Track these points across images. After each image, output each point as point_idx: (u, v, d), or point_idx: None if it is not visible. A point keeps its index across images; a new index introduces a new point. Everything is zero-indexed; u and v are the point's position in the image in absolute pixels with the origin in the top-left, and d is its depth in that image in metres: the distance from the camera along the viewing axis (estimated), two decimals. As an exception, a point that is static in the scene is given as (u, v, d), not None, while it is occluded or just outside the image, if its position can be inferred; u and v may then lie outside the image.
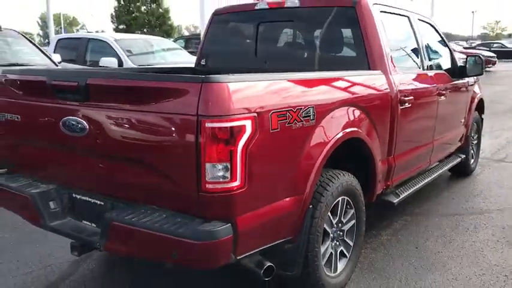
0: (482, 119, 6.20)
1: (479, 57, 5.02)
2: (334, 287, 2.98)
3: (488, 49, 33.13)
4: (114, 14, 40.24)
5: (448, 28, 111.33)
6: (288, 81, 2.59)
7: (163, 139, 2.24)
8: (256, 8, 4.04)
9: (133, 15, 39.12)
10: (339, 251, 3.07)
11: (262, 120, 2.25)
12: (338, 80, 3.03)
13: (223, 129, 2.10)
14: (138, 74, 2.85)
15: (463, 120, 5.29)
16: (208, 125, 2.09)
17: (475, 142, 6.04)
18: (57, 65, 6.59)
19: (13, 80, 2.90)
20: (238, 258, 2.27)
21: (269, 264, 2.49)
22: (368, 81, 3.31)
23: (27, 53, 6.54)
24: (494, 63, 27.13)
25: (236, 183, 2.16)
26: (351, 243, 3.18)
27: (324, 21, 3.76)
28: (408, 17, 4.26)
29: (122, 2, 39.30)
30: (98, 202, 2.61)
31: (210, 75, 2.13)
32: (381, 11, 3.70)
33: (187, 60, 8.52)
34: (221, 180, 2.14)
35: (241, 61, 4.15)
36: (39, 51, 6.74)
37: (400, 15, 4.13)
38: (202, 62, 4.41)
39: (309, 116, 2.57)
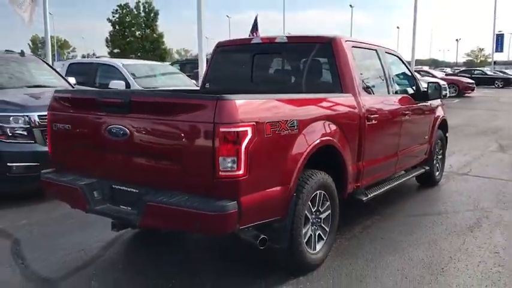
0: (446, 137, 7.13)
1: (438, 84, 5.99)
2: (313, 261, 3.82)
3: (469, 76, 34.55)
4: (109, 38, 41.47)
5: (435, 55, 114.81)
6: (278, 100, 3.48)
7: (188, 140, 3.09)
8: (252, 42, 4.95)
9: (128, 39, 40.39)
10: (317, 234, 3.91)
11: (259, 127, 3.12)
12: (316, 100, 3.92)
13: (232, 133, 2.97)
14: (170, 93, 3.70)
15: (426, 137, 6.21)
16: (221, 129, 2.95)
17: (440, 157, 6.95)
18: (73, 87, 7.44)
19: (66, 98, 3.76)
20: (241, 228, 3.12)
21: (263, 236, 3.34)
22: (340, 102, 4.21)
23: (46, 76, 7.39)
24: (472, 89, 28.48)
25: (240, 172, 3.01)
26: (327, 229, 4.01)
27: (306, 54, 4.68)
28: (376, 50, 5.21)
29: (117, 27, 40.61)
30: (133, 190, 3.44)
31: (223, 95, 3.00)
32: (352, 46, 4.62)
33: (186, 83, 9.43)
34: (229, 169, 2.99)
35: (240, 85, 5.03)
36: (57, 74, 7.60)
37: (369, 49, 5.07)
38: (207, 86, 5.29)
39: (294, 126, 3.45)
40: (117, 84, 8.21)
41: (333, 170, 4.05)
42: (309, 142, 3.61)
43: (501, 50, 50.63)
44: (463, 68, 51.61)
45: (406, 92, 5.74)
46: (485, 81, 37.63)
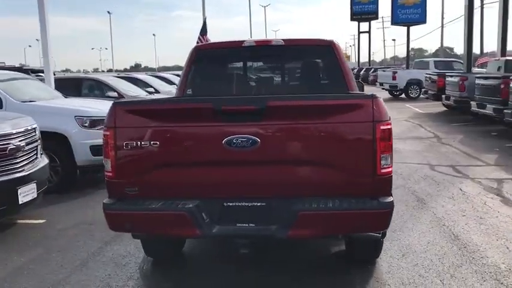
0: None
1: (360, 81, 6.81)
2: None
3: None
4: None
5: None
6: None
7: (345, 141, 3.03)
8: (244, 45, 4.81)
9: None
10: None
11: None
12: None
13: (387, 130, 3.05)
14: (316, 95, 3.43)
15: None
16: (381, 127, 3.01)
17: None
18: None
19: (147, 110, 3.15)
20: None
21: None
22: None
23: None
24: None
25: (391, 168, 3.12)
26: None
27: (305, 56, 4.84)
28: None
29: None
30: (258, 204, 3.13)
31: (375, 94, 3.06)
32: (339, 49, 4.98)
33: (53, 92, 8.26)
34: (386, 166, 3.07)
35: (230, 89, 4.85)
36: None
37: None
38: (189, 92, 4.90)
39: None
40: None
41: None
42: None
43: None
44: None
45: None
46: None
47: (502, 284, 3.62)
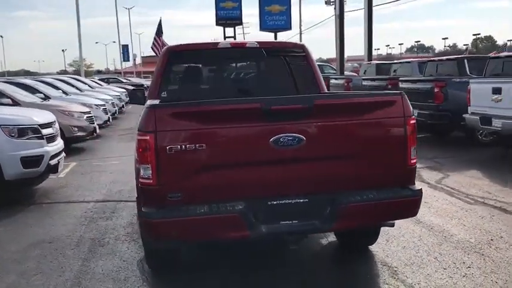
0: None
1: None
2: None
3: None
4: None
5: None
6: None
7: (381, 135, 3.27)
8: (219, 46, 4.79)
9: None
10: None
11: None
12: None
13: (414, 124, 3.36)
14: (355, 93, 3.49)
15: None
16: (410, 122, 3.31)
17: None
18: None
19: (192, 112, 3.03)
20: None
21: None
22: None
23: None
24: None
25: (416, 159, 3.43)
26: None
27: (279, 59, 4.99)
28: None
29: None
30: (301, 200, 3.21)
31: (401, 91, 3.34)
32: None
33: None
34: (414, 157, 3.38)
35: (208, 90, 4.81)
36: None
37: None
38: (163, 94, 4.73)
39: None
40: None
41: None
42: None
43: (128, 60, 55.98)
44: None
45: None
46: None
47: (483, 255, 4.16)
